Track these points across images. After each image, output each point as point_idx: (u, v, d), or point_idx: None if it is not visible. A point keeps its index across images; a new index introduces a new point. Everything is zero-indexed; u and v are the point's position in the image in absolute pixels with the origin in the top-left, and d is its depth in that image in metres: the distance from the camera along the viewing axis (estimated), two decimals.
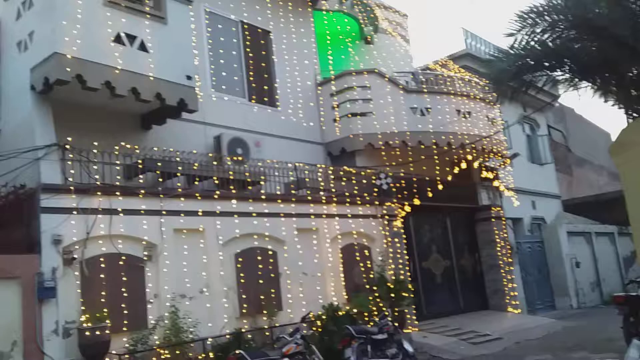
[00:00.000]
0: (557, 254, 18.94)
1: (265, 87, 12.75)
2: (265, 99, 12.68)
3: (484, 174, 16.04)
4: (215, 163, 10.16)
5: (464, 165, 14.81)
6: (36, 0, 8.63)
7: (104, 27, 8.54)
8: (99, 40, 8.46)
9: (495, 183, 16.36)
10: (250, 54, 12.56)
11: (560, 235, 19.06)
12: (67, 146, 8.20)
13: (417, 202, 13.25)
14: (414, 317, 12.33)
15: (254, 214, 10.03)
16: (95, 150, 8.43)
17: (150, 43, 9.04)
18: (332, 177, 12.16)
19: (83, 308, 7.57)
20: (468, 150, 14.38)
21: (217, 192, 9.64)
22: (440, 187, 13.80)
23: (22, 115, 8.61)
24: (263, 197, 10.30)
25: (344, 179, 12.43)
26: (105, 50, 8.48)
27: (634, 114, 9.17)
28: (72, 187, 7.88)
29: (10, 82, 9.01)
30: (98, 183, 8.28)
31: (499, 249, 15.89)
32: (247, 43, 12.54)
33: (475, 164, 15.54)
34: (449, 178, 14.50)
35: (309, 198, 11.19)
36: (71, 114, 8.84)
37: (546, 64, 10.45)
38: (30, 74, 8.40)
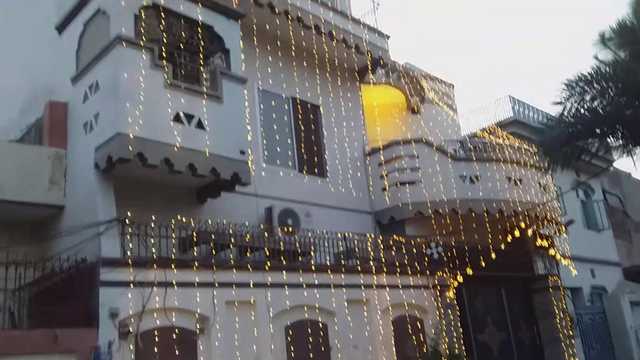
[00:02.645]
0: (621, 326, 17.91)
1: (315, 159, 13.01)
2: (315, 170, 12.91)
3: (539, 242, 15.54)
4: (266, 234, 10.30)
5: (517, 233, 14.44)
6: (102, 84, 9.16)
7: (165, 108, 9.00)
8: (160, 119, 8.91)
9: (551, 251, 15.81)
10: (301, 128, 12.93)
11: (623, 305, 18.12)
12: (127, 221, 8.52)
13: (469, 271, 12.91)
14: None
15: (304, 285, 10.01)
16: (152, 224, 8.72)
17: (207, 121, 9.45)
18: (382, 246, 12.08)
19: None
20: (521, 217, 14.07)
21: (268, 264, 9.71)
22: (493, 255, 13.44)
23: (85, 192, 9.03)
24: (313, 267, 10.31)
25: (394, 248, 12.31)
26: (165, 129, 8.91)
27: None
28: (130, 261, 8.11)
29: (76, 161, 9.49)
30: (154, 256, 8.50)
31: (558, 320, 15.16)
32: (298, 117, 12.95)
33: (529, 232, 15.13)
34: (503, 246, 14.12)
35: (359, 268, 11.11)
36: (130, 189, 9.22)
37: (597, 130, 10.29)
38: (95, 153, 8.85)
